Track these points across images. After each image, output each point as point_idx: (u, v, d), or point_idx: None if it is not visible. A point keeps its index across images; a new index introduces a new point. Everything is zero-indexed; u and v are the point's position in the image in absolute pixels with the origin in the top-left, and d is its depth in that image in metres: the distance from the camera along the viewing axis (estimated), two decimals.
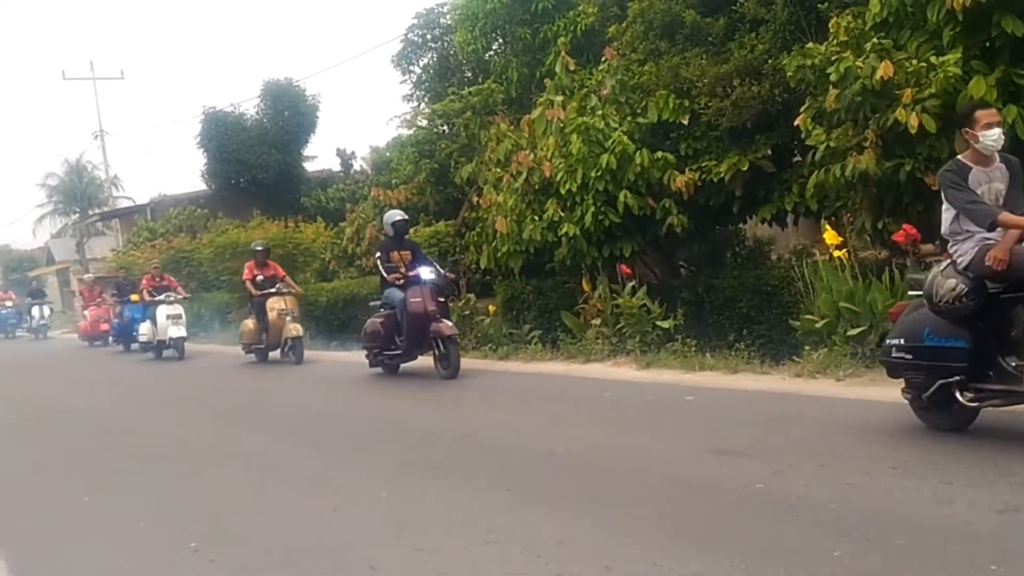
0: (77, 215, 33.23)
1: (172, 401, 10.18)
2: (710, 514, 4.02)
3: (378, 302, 9.89)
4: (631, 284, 9.32)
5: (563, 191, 9.59)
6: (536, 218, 9.91)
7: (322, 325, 14.65)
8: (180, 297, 15.24)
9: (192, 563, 4.02)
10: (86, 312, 20.58)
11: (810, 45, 7.91)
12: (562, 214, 9.61)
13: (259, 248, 13.15)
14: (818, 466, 4.61)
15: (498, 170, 11.06)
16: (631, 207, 9.23)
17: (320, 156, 28.72)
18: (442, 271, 9.66)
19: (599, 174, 9.30)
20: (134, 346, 16.72)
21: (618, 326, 9.17)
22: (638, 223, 9.55)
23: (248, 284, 12.64)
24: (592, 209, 9.35)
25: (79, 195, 32.86)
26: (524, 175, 10.11)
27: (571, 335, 9.88)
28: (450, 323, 9.20)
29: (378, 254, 9.79)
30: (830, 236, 7.49)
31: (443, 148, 14.33)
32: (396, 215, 10.02)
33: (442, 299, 9.38)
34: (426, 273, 9.31)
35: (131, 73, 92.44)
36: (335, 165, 27.51)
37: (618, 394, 7.35)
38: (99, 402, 10.46)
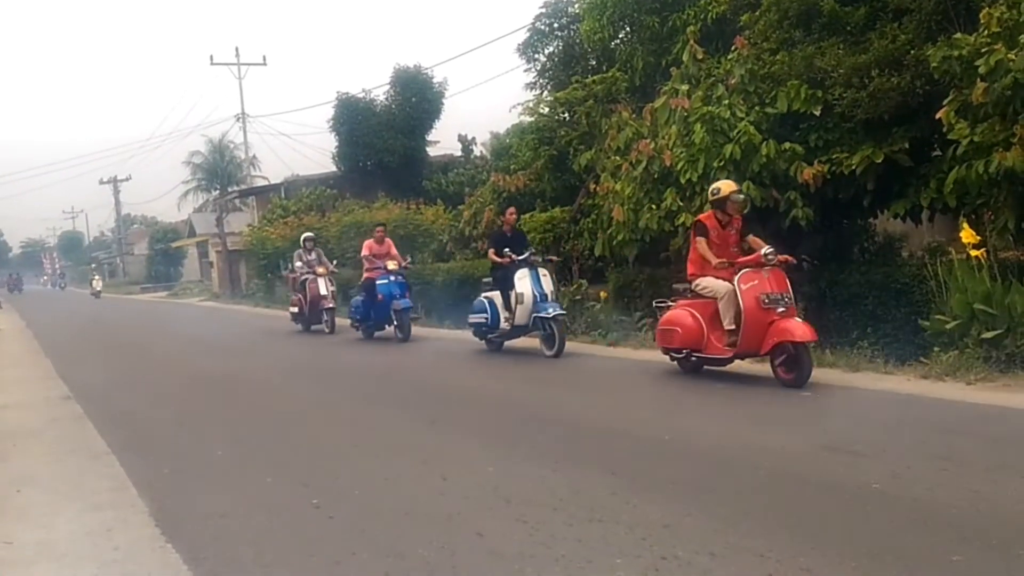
0: (217, 191, 35.31)
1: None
2: (822, 511, 3.95)
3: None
4: None
5: (683, 180, 9.47)
6: (654, 207, 9.83)
7: (438, 304, 15.08)
8: None
9: (314, 518, 4.28)
10: None
11: (958, 36, 7.60)
12: (681, 204, 9.51)
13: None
14: (941, 470, 4.46)
15: (617, 158, 11.04)
16: (753, 198, 9.02)
17: (442, 141, 29.34)
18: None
19: (722, 164, 9.13)
20: None
21: None
22: (760, 215, 9.31)
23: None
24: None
25: (220, 173, 34.90)
26: (644, 164, 10.04)
27: None
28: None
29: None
30: (968, 234, 7.13)
31: (563, 135, 14.42)
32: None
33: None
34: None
35: (273, 59, 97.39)
36: (456, 150, 28.09)
37: (731, 386, 7.26)
38: None
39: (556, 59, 17.12)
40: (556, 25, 17.33)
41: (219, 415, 7.63)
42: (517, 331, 10.17)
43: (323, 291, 14.63)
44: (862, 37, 9.05)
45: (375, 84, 45.88)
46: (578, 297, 11.71)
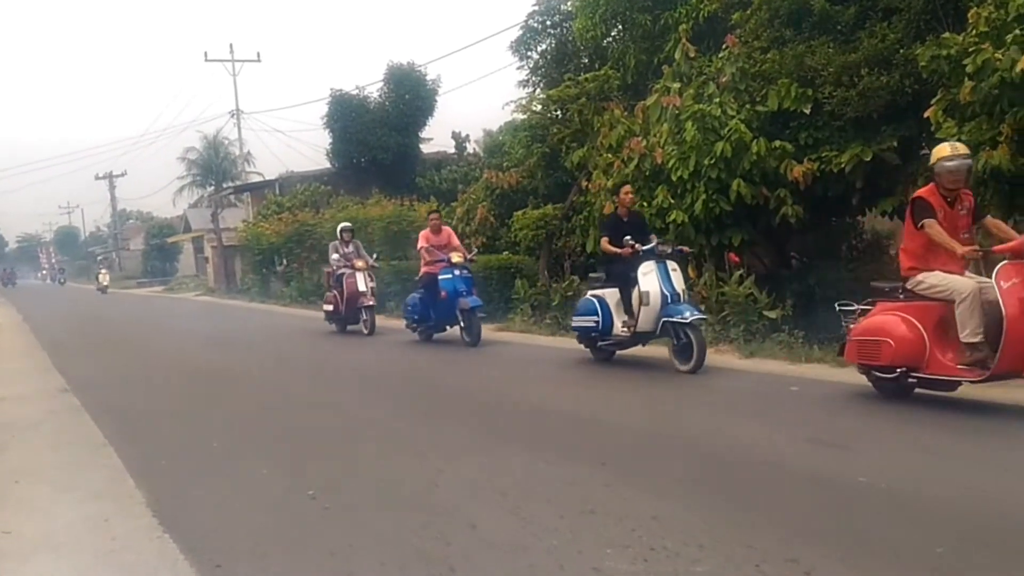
0: (212, 187, 35.44)
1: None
2: (810, 503, 4.02)
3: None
4: (739, 273, 9.26)
5: (674, 178, 9.57)
6: (645, 204, 9.92)
7: None
8: None
9: (309, 509, 4.34)
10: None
11: (946, 35, 7.68)
12: (672, 201, 9.60)
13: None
14: (927, 464, 4.55)
15: (609, 156, 11.12)
16: (744, 196, 9.13)
17: (436, 138, 29.39)
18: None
19: (712, 162, 9.23)
20: None
21: (723, 314, 9.14)
22: (750, 212, 9.44)
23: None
24: (703, 197, 9.29)
25: (215, 169, 35.14)
26: (635, 161, 10.13)
27: None
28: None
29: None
30: None
31: (555, 133, 14.48)
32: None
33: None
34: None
35: (267, 56, 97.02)
36: (450, 147, 28.15)
37: (719, 381, 7.34)
38: None
39: (549, 57, 17.15)
40: (549, 23, 17.36)
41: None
42: (639, 338, 8.37)
43: (362, 287, 13.17)
44: (852, 36, 9.16)
45: (369, 81, 45.83)
46: (570, 293, 11.79)
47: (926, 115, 7.73)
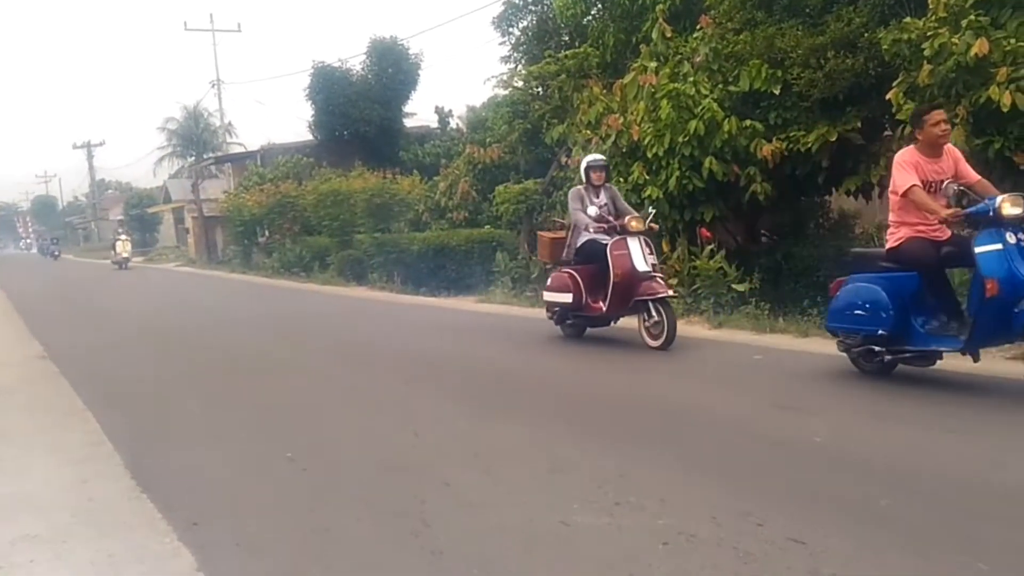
0: (193, 158, 35.37)
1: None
2: (767, 462, 4.24)
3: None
4: (710, 247, 9.55)
5: (649, 155, 9.79)
6: (622, 180, 10.14)
7: (412, 272, 15.42)
8: None
9: (286, 470, 4.52)
10: None
11: (908, 20, 7.87)
12: (647, 177, 9.83)
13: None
14: (877, 426, 4.78)
15: (588, 132, 11.30)
16: (715, 173, 9.37)
17: (419, 113, 29.42)
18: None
19: (686, 140, 9.45)
20: None
21: (694, 287, 9.44)
22: (722, 189, 9.68)
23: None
24: (677, 174, 9.53)
25: (196, 139, 35.06)
26: (613, 138, 10.34)
27: None
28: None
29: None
30: None
31: (536, 109, 14.65)
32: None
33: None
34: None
35: (248, 26, 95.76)
36: (433, 122, 28.21)
37: (688, 349, 7.57)
38: None
39: (530, 33, 17.21)
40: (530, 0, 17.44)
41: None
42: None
43: (641, 265, 7.73)
44: (820, 19, 9.37)
45: (351, 54, 45.58)
46: (548, 266, 12.04)
47: (888, 97, 7.94)
